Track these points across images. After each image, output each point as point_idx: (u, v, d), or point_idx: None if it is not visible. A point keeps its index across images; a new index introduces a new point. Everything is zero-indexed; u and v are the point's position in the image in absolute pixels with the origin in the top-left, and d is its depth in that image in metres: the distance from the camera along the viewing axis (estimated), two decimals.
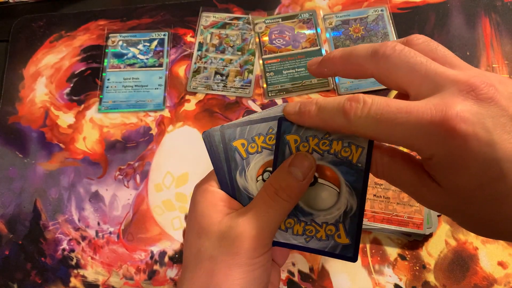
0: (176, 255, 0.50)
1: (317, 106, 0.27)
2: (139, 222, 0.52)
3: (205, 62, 0.59)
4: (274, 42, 0.59)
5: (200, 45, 0.60)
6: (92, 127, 0.57)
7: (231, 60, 0.59)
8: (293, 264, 0.48)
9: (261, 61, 0.58)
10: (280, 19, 0.60)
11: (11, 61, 0.61)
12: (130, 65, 0.60)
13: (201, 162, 0.53)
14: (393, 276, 0.47)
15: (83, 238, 0.52)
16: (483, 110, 0.22)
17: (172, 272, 0.49)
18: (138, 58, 0.60)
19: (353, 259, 0.31)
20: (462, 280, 0.46)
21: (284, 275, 0.48)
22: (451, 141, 0.22)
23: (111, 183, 0.54)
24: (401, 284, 0.46)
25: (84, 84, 0.59)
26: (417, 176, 0.25)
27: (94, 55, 0.61)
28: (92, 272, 0.50)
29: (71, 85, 0.59)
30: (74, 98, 0.59)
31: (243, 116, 0.55)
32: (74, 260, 0.51)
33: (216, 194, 0.31)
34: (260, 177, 0.32)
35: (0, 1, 0.65)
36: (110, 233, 0.51)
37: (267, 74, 0.57)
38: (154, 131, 0.56)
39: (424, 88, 0.24)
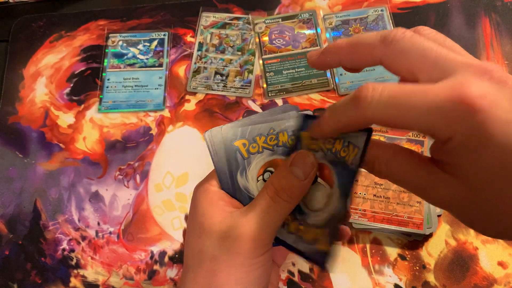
0: (176, 255, 0.50)
1: (327, 110, 0.26)
2: (139, 222, 0.52)
3: (205, 62, 0.59)
4: (274, 42, 0.59)
5: (200, 45, 0.60)
6: (92, 127, 0.57)
7: (231, 60, 0.59)
8: (293, 264, 0.48)
9: (261, 61, 0.58)
10: (280, 19, 0.60)
11: (11, 61, 0.61)
12: (130, 65, 0.60)
13: (201, 162, 0.53)
14: (393, 276, 0.47)
15: (83, 238, 0.52)
16: (499, 91, 0.22)
17: (172, 272, 0.49)
18: (138, 58, 0.60)
19: (329, 268, 0.30)
20: (462, 280, 0.46)
21: (284, 275, 0.48)
22: (471, 118, 0.21)
23: (111, 183, 0.54)
24: (401, 284, 0.46)
25: (84, 84, 0.59)
26: (425, 169, 0.25)
27: (94, 55, 0.61)
28: (92, 272, 0.50)
29: (71, 85, 0.59)
30: (74, 98, 0.59)
31: (243, 117, 0.55)
32: (74, 260, 0.51)
33: (217, 194, 0.31)
34: (261, 177, 0.32)
35: (0, 1, 0.65)
36: (110, 233, 0.51)
37: (267, 74, 0.57)
38: (154, 131, 0.56)
39: (436, 71, 0.23)
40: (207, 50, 0.60)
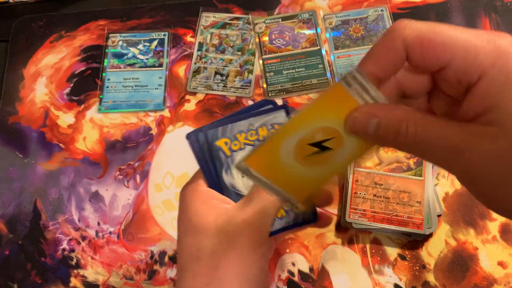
0: (176, 255, 0.50)
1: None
2: (139, 222, 0.52)
3: (205, 62, 0.59)
4: (274, 42, 0.59)
5: (200, 45, 0.60)
6: (92, 127, 0.57)
7: (231, 60, 0.59)
8: (293, 264, 0.48)
9: (261, 61, 0.58)
10: (280, 19, 0.60)
11: (11, 61, 0.61)
12: (130, 65, 0.60)
13: None
14: (393, 276, 0.47)
15: (83, 238, 0.52)
16: None
17: (172, 272, 0.49)
18: (138, 58, 0.60)
19: (314, 219, 0.34)
20: (462, 280, 0.46)
21: (284, 275, 0.48)
22: (504, 56, 0.21)
23: (111, 183, 0.54)
24: (401, 284, 0.46)
25: (84, 84, 0.59)
26: (458, 126, 0.22)
27: (94, 55, 0.61)
28: (92, 272, 0.50)
29: (71, 85, 0.59)
30: (74, 98, 0.59)
31: None
32: (74, 260, 0.51)
33: (206, 193, 0.32)
34: None
35: (0, 1, 0.65)
36: (110, 233, 0.51)
37: (267, 74, 0.57)
38: (154, 131, 0.56)
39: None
40: (207, 50, 0.60)
